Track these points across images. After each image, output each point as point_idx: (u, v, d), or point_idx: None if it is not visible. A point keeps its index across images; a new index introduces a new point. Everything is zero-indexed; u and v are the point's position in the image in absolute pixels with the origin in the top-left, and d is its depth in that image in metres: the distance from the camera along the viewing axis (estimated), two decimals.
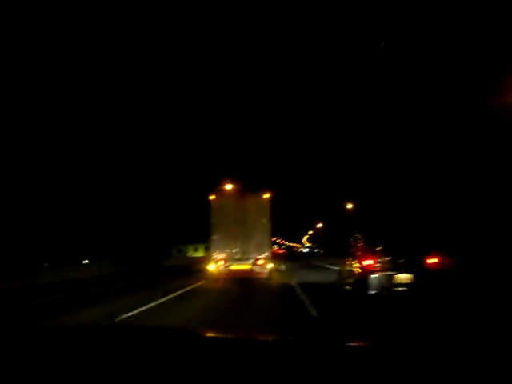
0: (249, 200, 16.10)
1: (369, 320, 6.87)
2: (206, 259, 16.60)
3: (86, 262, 29.89)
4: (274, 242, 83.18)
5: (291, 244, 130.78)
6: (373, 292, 8.59)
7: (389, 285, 8.52)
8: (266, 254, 15.79)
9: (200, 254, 37.57)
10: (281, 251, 61.36)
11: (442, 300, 8.14)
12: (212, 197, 16.28)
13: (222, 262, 15.86)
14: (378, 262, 8.77)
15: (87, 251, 32.70)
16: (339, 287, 11.10)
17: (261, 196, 16.06)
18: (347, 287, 10.24)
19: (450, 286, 8.65)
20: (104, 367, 1.47)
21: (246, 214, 15.96)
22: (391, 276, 8.57)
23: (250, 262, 15.76)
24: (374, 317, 7.19)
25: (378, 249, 9.15)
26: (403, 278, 8.54)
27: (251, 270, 15.73)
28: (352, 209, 46.03)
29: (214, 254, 16.04)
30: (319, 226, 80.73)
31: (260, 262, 15.73)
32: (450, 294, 8.55)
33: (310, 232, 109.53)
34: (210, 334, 2.28)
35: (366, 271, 8.78)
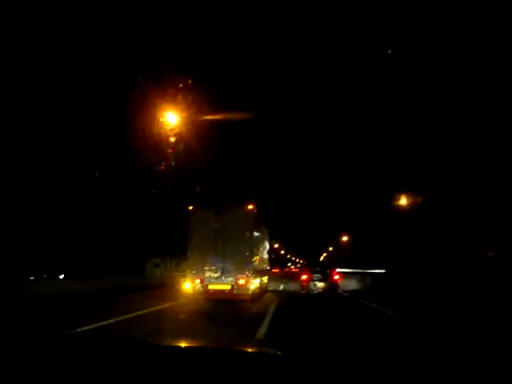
0: (231, 212, 14.41)
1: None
2: (183, 277, 14.87)
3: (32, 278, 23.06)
4: (280, 261, 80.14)
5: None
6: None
7: (314, 288, 19.42)
8: (249, 272, 13.99)
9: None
10: (296, 270, 57.32)
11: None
12: (191, 207, 14.62)
13: (199, 281, 14.09)
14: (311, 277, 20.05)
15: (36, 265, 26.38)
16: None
17: (244, 207, 14.37)
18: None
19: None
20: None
21: (228, 227, 14.24)
22: (315, 283, 19.60)
23: (231, 281, 13.98)
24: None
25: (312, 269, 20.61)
26: (321, 285, 19.69)
27: (231, 291, 13.94)
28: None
29: (191, 271, 14.29)
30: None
31: (241, 282, 13.92)
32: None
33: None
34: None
35: (305, 281, 20.09)
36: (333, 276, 19.89)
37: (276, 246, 64.87)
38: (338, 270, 22.50)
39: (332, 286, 19.69)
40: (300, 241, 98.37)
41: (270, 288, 20.35)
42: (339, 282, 20.58)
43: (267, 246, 21.06)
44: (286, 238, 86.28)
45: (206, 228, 14.34)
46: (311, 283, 20.03)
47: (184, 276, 14.56)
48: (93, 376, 1.53)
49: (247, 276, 13.93)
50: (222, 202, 14.76)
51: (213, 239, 14.20)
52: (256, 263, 15.46)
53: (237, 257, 14.03)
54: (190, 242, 14.45)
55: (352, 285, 24.41)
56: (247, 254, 14.09)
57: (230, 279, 13.95)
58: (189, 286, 14.14)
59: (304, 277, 20.39)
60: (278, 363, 1.69)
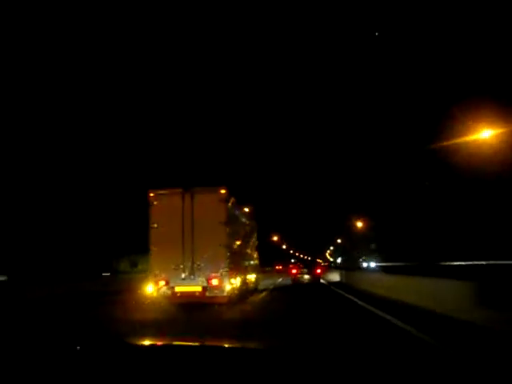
0: (201, 197, 11.90)
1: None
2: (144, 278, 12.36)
3: None
4: (283, 257, 76.74)
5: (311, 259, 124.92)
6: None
7: (302, 279, 25.94)
8: (224, 269, 11.50)
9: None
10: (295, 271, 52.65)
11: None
12: (152, 194, 12.10)
13: (163, 283, 11.60)
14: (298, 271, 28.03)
15: None
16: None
17: (216, 192, 11.84)
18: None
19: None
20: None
21: (197, 216, 11.74)
22: (302, 276, 26.55)
23: (202, 281, 11.49)
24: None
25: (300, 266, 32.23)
26: (306, 277, 26.23)
27: (203, 293, 11.45)
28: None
29: (153, 271, 11.80)
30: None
31: (214, 282, 11.43)
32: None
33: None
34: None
35: (295, 274, 27.28)
36: (315, 271, 27.97)
37: (274, 238, 61.91)
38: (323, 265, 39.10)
39: (315, 278, 26.85)
40: (305, 238, 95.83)
41: (268, 283, 24.03)
42: (321, 275, 28.94)
43: (254, 239, 18.58)
44: (290, 236, 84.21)
45: (171, 217, 11.83)
46: (299, 276, 27.24)
47: (146, 277, 12.04)
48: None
49: (222, 275, 11.43)
50: (189, 185, 12.24)
51: (179, 231, 11.70)
52: (236, 259, 12.99)
53: (209, 252, 11.53)
54: (151, 234, 11.94)
55: (332, 276, 30.59)
56: (221, 248, 11.57)
57: (201, 279, 11.46)
58: (152, 288, 11.65)
59: (294, 271, 28.40)
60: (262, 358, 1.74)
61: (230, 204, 12.16)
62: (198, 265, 11.51)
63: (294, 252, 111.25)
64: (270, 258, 67.81)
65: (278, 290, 22.85)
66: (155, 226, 11.83)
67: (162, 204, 11.97)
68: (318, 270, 28.04)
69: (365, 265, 52.85)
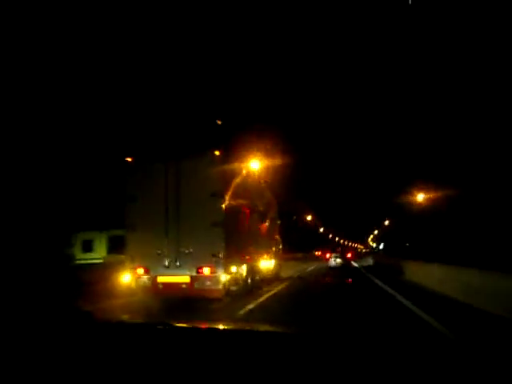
0: (188, 164, 9.32)
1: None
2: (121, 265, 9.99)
3: None
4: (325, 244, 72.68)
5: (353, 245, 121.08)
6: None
7: (335, 263, 32.16)
8: (219, 254, 8.92)
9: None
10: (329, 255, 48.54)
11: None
12: (130, 158, 9.66)
13: (142, 271, 9.21)
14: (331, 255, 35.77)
15: None
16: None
17: (207, 155, 9.19)
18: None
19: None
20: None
21: (184, 187, 9.20)
22: (335, 260, 32.74)
23: (190, 270, 8.99)
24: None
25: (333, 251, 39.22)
26: (338, 261, 32.41)
27: (191, 285, 8.95)
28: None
29: (131, 256, 9.42)
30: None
31: (206, 272, 8.89)
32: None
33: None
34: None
35: (328, 258, 35.53)
36: (347, 255, 35.54)
37: (308, 218, 58.29)
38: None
39: (347, 262, 32.68)
40: (349, 224, 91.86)
41: (298, 269, 24.97)
42: (352, 259, 36.60)
43: (273, 218, 15.90)
44: (334, 222, 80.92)
45: (154, 191, 9.37)
46: (332, 260, 32.63)
47: (122, 264, 9.67)
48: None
49: (216, 262, 8.86)
50: (178, 149, 9.68)
51: (162, 207, 9.23)
52: (240, 241, 10.39)
53: (199, 232, 8.99)
54: (129, 212, 9.55)
55: (366, 262, 36.34)
56: (216, 227, 8.97)
57: (189, 267, 8.96)
58: (128, 278, 9.29)
59: (328, 255, 35.96)
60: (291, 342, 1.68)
61: (227, 169, 9.48)
62: (186, 249, 9.01)
63: (334, 237, 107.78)
64: (310, 244, 64.90)
65: (304, 278, 20.21)
66: (134, 202, 9.41)
67: (143, 175, 9.52)
68: (349, 255, 37.50)
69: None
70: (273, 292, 12.53)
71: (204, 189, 9.03)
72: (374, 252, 66.40)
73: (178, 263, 9.01)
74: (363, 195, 68.96)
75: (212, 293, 8.91)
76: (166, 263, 9.03)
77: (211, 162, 9.04)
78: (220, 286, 8.89)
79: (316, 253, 63.00)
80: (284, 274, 18.59)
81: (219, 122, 17.95)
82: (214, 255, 8.85)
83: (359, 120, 70.23)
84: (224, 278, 8.95)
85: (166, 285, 9.00)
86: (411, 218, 36.31)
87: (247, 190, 11.43)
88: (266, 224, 14.21)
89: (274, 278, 15.44)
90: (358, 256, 52.35)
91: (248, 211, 11.38)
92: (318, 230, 73.25)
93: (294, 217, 51.46)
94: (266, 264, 14.33)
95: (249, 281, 11.12)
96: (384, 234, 66.11)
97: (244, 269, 10.71)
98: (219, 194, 9.03)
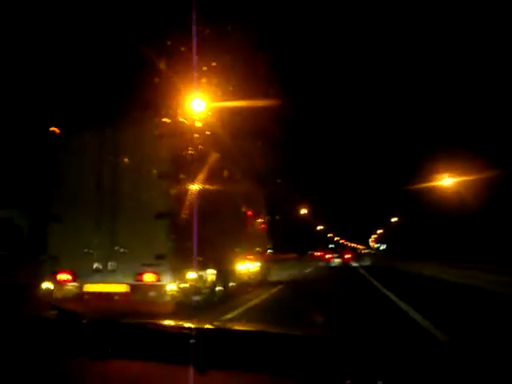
0: (128, 135, 7.04)
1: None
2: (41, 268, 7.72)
3: None
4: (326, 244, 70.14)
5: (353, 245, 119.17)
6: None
7: (334, 263, 35.15)
8: (166, 256, 6.63)
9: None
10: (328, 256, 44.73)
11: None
12: (56, 129, 7.40)
13: (68, 277, 6.94)
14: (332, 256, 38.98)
15: None
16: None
17: (150, 123, 6.91)
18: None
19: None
20: None
21: (123, 165, 6.93)
22: (334, 260, 36.34)
23: (127, 276, 6.71)
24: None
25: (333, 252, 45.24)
26: (338, 261, 35.98)
27: (127, 296, 6.67)
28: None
29: (53, 256, 7.15)
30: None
31: (148, 278, 6.61)
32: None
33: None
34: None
35: (327, 259, 37.76)
36: (344, 256, 37.91)
37: (303, 211, 55.62)
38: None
39: (345, 262, 35.21)
40: (350, 225, 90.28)
41: (293, 272, 22.40)
42: (350, 260, 37.90)
43: (257, 215, 13.59)
44: (336, 223, 79.55)
45: (85, 170, 7.11)
46: (332, 260, 35.91)
47: (42, 266, 7.41)
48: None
49: (162, 266, 6.58)
50: (114, 116, 7.40)
51: (94, 191, 6.97)
52: (204, 237, 8.08)
53: (139, 226, 6.73)
54: (53, 199, 7.30)
55: (364, 261, 38.36)
56: (162, 219, 6.68)
57: (127, 273, 6.69)
58: (47, 285, 7.02)
59: (328, 256, 38.57)
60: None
61: (183, 141, 7.19)
62: (122, 247, 6.74)
63: (334, 237, 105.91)
64: (306, 243, 62.55)
65: (298, 282, 17.75)
66: (59, 185, 7.15)
67: (72, 150, 7.25)
68: (346, 256, 38.29)
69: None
70: (253, 302, 10.02)
71: (149, 167, 6.76)
72: (373, 254, 69.15)
73: (111, 267, 6.73)
74: (367, 191, 67.05)
75: (156, 306, 6.61)
76: (95, 266, 6.76)
77: (156, 131, 6.75)
78: (167, 298, 6.60)
79: (316, 253, 60.96)
80: (275, 277, 16.29)
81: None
82: (158, 257, 6.58)
83: (361, 109, 68.00)
84: (172, 287, 6.65)
85: (95, 295, 6.72)
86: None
87: (218, 171, 9.07)
88: (248, 218, 11.90)
89: (258, 284, 13.14)
90: (358, 256, 51.17)
91: (219, 200, 9.03)
92: (315, 227, 70.64)
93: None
94: (248, 267, 12.04)
95: (217, 289, 8.84)
96: (390, 233, 63.83)
97: (210, 274, 8.43)
98: (168, 175, 6.75)
